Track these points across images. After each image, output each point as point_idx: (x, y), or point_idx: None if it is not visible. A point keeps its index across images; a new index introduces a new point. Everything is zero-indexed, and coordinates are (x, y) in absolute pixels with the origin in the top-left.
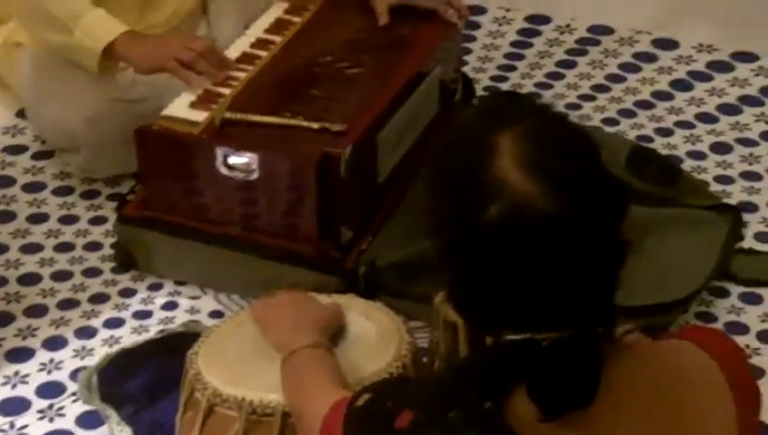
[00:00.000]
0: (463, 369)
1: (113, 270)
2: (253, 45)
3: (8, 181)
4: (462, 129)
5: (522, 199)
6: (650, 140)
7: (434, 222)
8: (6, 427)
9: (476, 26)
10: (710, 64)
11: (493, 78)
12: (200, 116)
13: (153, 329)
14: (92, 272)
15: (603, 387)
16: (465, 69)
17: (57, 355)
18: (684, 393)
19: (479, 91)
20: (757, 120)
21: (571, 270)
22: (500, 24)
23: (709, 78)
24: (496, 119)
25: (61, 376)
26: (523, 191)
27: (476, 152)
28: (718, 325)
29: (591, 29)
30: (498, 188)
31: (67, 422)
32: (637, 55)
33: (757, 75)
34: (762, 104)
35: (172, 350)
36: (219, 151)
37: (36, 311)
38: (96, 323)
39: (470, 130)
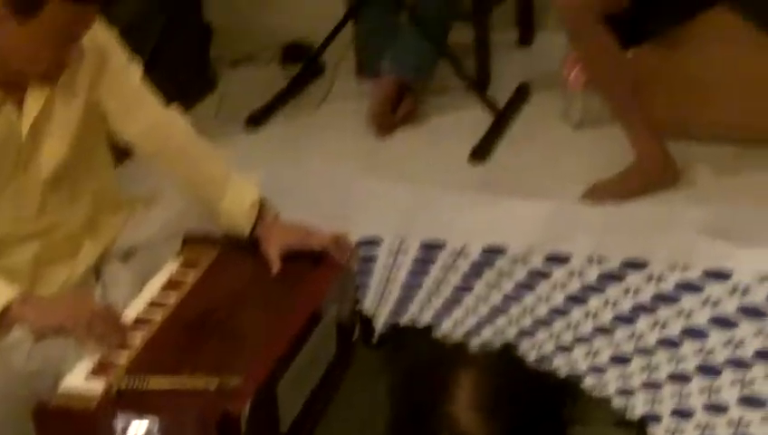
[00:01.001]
0: None
1: None
2: (148, 306)
3: None
4: (429, 361)
5: None
6: (550, 359)
7: None
8: None
9: (373, 259)
10: (602, 275)
11: (392, 312)
12: (98, 386)
13: None
14: None
15: None
16: (365, 304)
17: None
18: None
19: (379, 327)
20: (652, 329)
21: None
22: (395, 256)
23: (602, 289)
24: (465, 357)
25: None
26: (472, 430)
27: (437, 386)
28: None
29: (485, 251)
30: (450, 424)
31: None
32: (531, 273)
33: (648, 281)
34: (655, 311)
35: None
36: (118, 424)
37: None
38: None
39: (437, 362)
